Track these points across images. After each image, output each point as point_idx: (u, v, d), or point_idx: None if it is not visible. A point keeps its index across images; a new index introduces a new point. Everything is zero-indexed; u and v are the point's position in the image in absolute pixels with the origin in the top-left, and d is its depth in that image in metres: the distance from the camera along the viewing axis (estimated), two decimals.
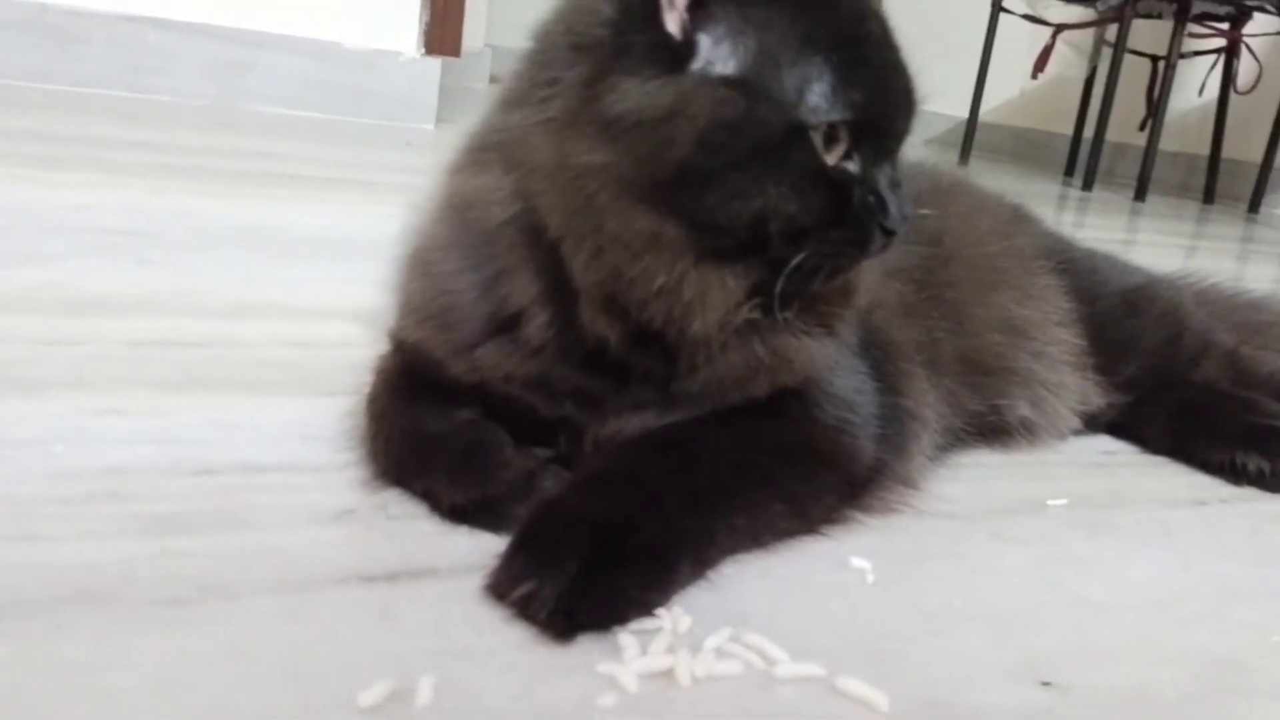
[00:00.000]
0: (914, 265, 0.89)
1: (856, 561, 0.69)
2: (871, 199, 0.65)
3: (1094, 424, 1.04)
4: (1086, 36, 4.31)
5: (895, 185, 0.67)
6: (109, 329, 0.96)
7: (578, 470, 0.68)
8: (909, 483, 0.81)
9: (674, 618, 0.59)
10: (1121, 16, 3.75)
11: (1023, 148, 4.96)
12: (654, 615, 0.59)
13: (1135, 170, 3.73)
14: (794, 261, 0.64)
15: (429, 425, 0.71)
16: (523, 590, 0.57)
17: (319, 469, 0.73)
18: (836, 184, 0.64)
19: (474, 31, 4.04)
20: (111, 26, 2.65)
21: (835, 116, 0.63)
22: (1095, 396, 1.01)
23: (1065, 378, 0.98)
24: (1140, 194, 3.68)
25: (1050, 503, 0.86)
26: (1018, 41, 4.38)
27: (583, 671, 0.54)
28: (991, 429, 0.95)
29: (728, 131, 0.61)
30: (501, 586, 0.58)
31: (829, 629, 0.62)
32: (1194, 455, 0.99)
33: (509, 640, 0.56)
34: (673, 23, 0.62)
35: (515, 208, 0.66)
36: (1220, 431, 0.98)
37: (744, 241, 0.64)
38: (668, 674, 0.55)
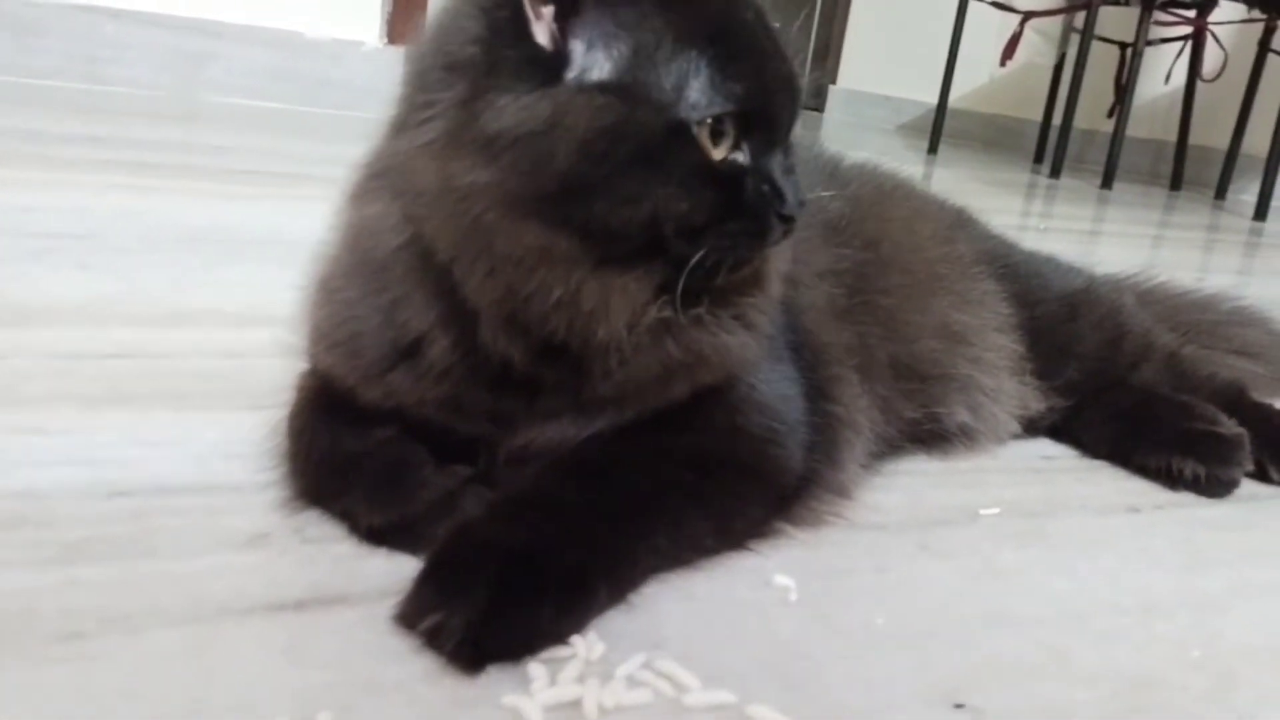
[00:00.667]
0: (847, 269, 0.88)
1: (779, 579, 0.69)
2: (766, 188, 0.65)
3: (1034, 428, 1.04)
4: (1055, 24, 4.32)
5: (789, 172, 0.67)
6: (41, 340, 0.94)
7: (496, 491, 0.68)
8: (842, 492, 0.81)
9: (588, 644, 0.59)
10: (1089, 4, 3.76)
11: (992, 134, 4.96)
12: (567, 643, 0.59)
13: (1104, 157, 3.74)
14: (694, 259, 0.64)
15: (348, 444, 0.70)
16: (430, 621, 0.56)
17: (237, 489, 0.72)
18: (727, 178, 0.64)
19: None
20: (67, 17, 2.62)
21: (717, 110, 0.62)
22: (1035, 401, 1.01)
23: (1004, 383, 0.98)
24: (1107, 181, 3.70)
25: (982, 512, 0.86)
26: (986, 28, 4.38)
27: (488, 705, 0.54)
28: (930, 436, 0.95)
29: (608, 138, 0.60)
30: (410, 617, 0.58)
31: (745, 652, 0.61)
32: (1131, 460, 0.99)
33: (416, 672, 0.56)
34: (542, 34, 0.61)
35: (405, 234, 0.65)
36: (1156, 436, 0.98)
37: (640, 245, 0.63)
38: (575, 705, 0.54)
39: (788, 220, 0.66)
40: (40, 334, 0.96)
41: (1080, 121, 3.95)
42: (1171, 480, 0.96)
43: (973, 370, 0.95)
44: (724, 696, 0.56)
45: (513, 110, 0.60)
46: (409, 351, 0.68)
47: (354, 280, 0.69)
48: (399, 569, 0.63)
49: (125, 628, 0.56)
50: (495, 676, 0.56)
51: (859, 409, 0.84)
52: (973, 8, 4.20)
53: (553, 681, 0.55)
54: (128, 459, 0.75)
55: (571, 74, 0.61)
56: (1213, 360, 1.13)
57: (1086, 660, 0.66)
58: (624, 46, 0.61)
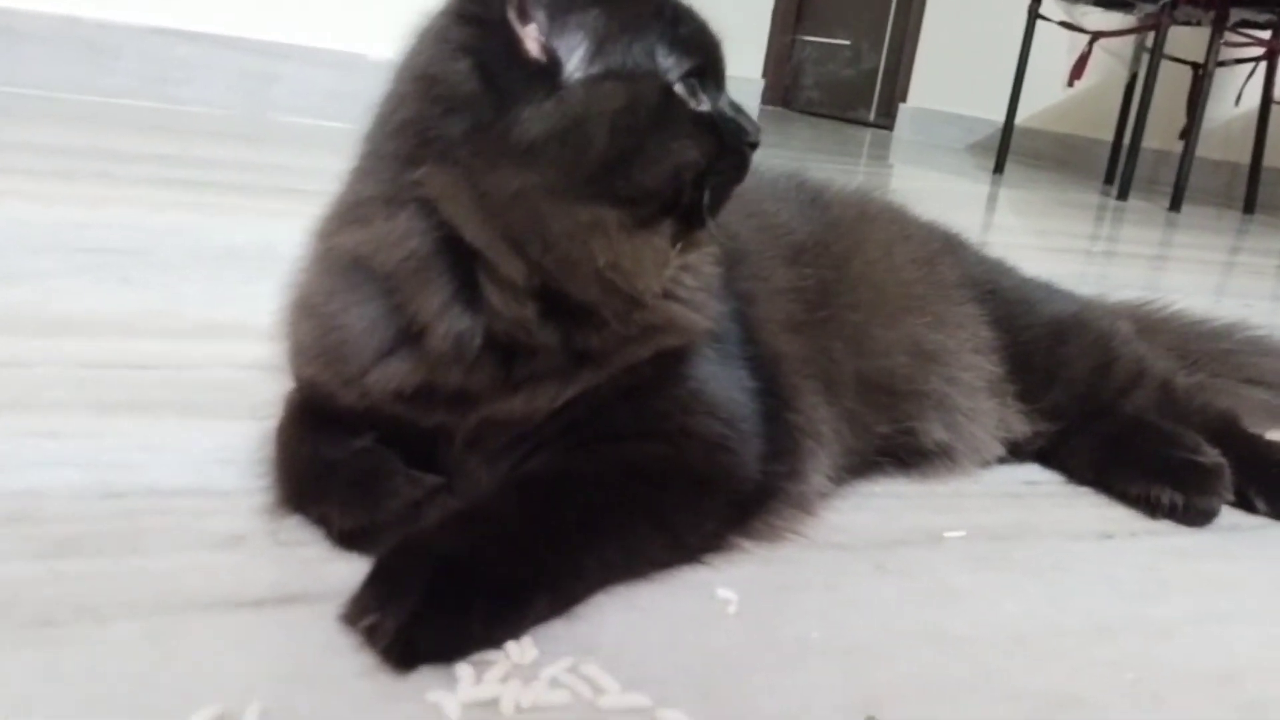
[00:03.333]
0: (809, 286, 0.92)
1: (723, 592, 0.72)
2: (731, 125, 0.74)
3: (1022, 452, 1.06)
4: (1126, 44, 4.26)
5: (738, 109, 0.76)
6: (69, 350, 1.02)
7: (458, 498, 0.72)
8: (803, 506, 0.84)
9: (521, 649, 0.63)
10: (1159, 24, 3.70)
11: (1063, 153, 4.90)
12: (499, 648, 0.63)
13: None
14: (702, 202, 0.73)
15: (326, 453, 0.75)
16: (367, 620, 0.61)
17: (226, 494, 0.78)
18: (708, 122, 0.73)
19: None
20: (141, 39, 2.75)
21: (686, 67, 0.72)
22: (1017, 424, 1.03)
23: (981, 403, 1.00)
24: (1175, 204, 3.63)
25: (947, 534, 0.88)
26: (1056, 47, 4.34)
27: (412, 700, 0.58)
28: (907, 452, 0.97)
29: (627, 114, 0.69)
30: (351, 616, 0.62)
31: (671, 660, 0.65)
32: (1113, 486, 1.00)
33: (354, 667, 0.60)
34: (533, 48, 0.68)
35: (414, 243, 0.70)
36: (1138, 463, 0.99)
37: (665, 201, 0.72)
38: (493, 703, 0.58)
39: (754, 147, 0.76)
40: (70, 344, 1.03)
41: (1152, 142, 3.89)
42: (1151, 508, 0.97)
43: (947, 388, 0.97)
44: (639, 700, 0.60)
45: (537, 118, 0.68)
46: (406, 341, 0.72)
47: (339, 296, 0.74)
48: (361, 572, 0.67)
49: (95, 618, 0.61)
50: (425, 675, 0.60)
51: (821, 419, 0.87)
52: (1042, 27, 4.17)
53: (478, 681, 0.59)
54: (129, 463, 0.81)
55: (569, 74, 0.69)
56: (1212, 389, 1.13)
57: (1015, 680, 0.68)
58: (598, 41, 0.70)
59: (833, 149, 5.18)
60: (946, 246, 1.09)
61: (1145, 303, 1.32)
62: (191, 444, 0.86)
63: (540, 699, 0.59)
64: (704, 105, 0.73)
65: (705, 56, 0.73)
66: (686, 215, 0.74)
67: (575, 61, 0.69)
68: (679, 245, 0.75)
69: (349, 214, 0.75)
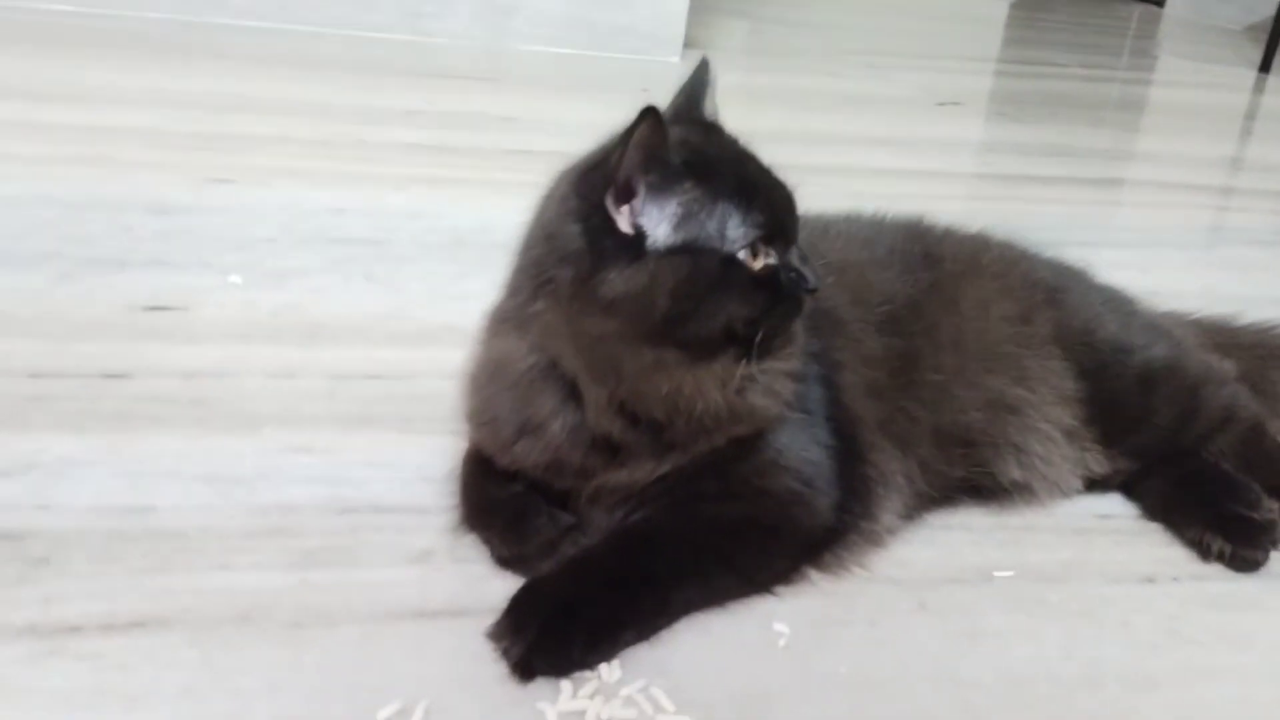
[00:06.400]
0: (895, 355, 1.09)
1: (778, 625, 0.94)
2: (794, 275, 0.91)
3: (1106, 484, 1.20)
4: None
5: (804, 259, 0.93)
6: (323, 361, 1.31)
7: (584, 534, 0.97)
8: (874, 540, 1.04)
9: (610, 669, 0.87)
10: None
11: None
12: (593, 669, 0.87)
13: None
14: (756, 340, 0.91)
15: (491, 492, 1.01)
16: (502, 644, 0.87)
17: (424, 511, 1.05)
18: (767, 279, 0.90)
19: None
20: None
21: (751, 238, 0.89)
22: (1096, 465, 1.17)
23: (1058, 449, 1.14)
24: None
25: (996, 574, 1.05)
26: None
27: (527, 706, 0.83)
28: (983, 490, 1.14)
29: (687, 284, 0.88)
30: (494, 637, 0.88)
31: (721, 686, 0.87)
32: (1175, 527, 1.13)
33: (493, 675, 0.86)
34: (625, 225, 0.88)
35: (532, 360, 0.94)
36: (1199, 509, 1.12)
37: (720, 343, 0.91)
38: (581, 714, 0.83)
39: (812, 292, 0.93)
40: (324, 354, 1.33)
41: None
42: (1203, 552, 1.10)
43: (1022, 437, 1.12)
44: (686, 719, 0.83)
45: (620, 281, 0.88)
46: (531, 430, 0.97)
47: (492, 385, 0.99)
48: (511, 589, 0.93)
49: (328, 622, 0.90)
50: (539, 688, 0.85)
51: (893, 470, 1.05)
52: None
53: (574, 695, 0.84)
54: (360, 479, 1.09)
55: (651, 245, 0.88)
56: None
57: None
58: (678, 217, 0.88)
59: (1090, 40, 4.97)
60: (1049, 299, 1.20)
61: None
62: (404, 460, 1.13)
63: (615, 713, 0.83)
64: (769, 260, 0.90)
65: (774, 222, 0.90)
66: (745, 345, 0.91)
67: (656, 236, 0.87)
68: (751, 360, 0.92)
69: (497, 323, 0.99)
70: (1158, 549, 1.12)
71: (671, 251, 0.88)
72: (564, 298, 0.90)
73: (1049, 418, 1.14)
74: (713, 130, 0.97)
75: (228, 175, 1.88)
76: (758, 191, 0.91)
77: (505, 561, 0.98)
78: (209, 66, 2.60)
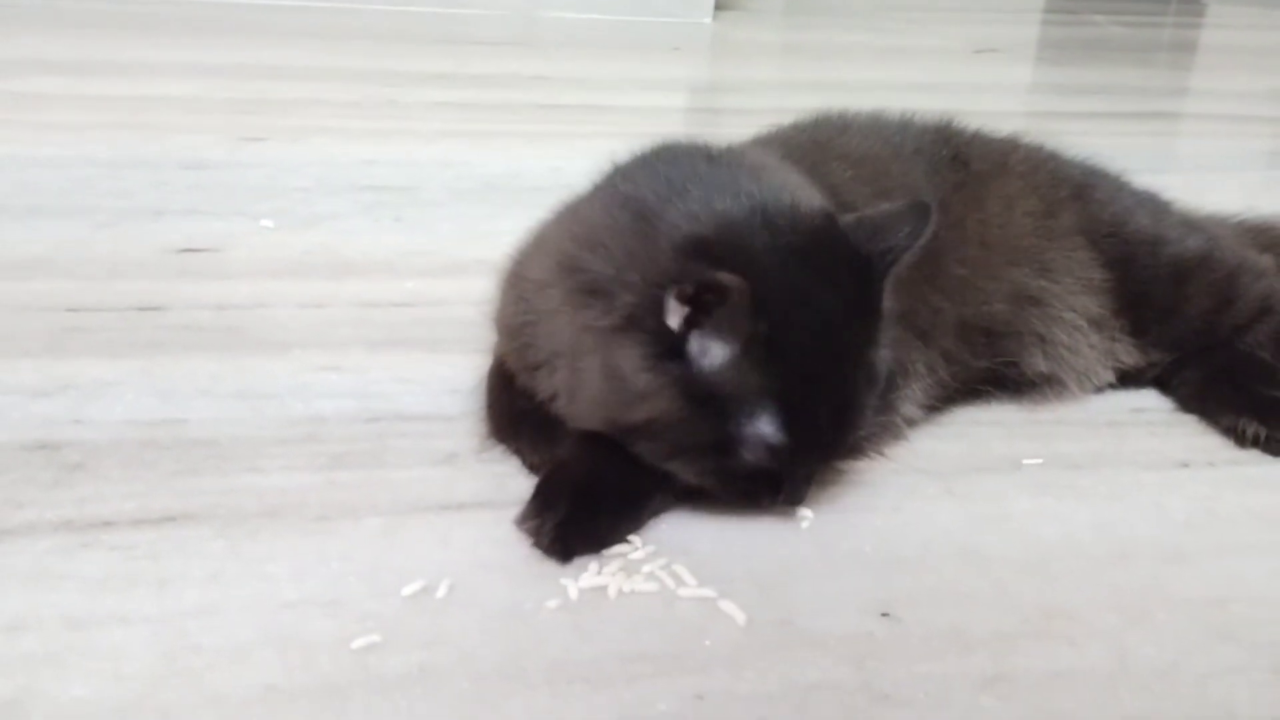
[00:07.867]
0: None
1: (802, 510, 0.94)
2: (784, 484, 0.87)
3: (1140, 378, 1.18)
4: None
5: (807, 480, 0.89)
6: (350, 292, 1.33)
7: None
8: (892, 432, 1.03)
9: (638, 547, 0.88)
10: None
11: None
12: (628, 542, 0.88)
13: None
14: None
15: (519, 403, 1.01)
16: (531, 524, 0.87)
17: (450, 419, 1.06)
18: (753, 474, 0.85)
19: None
20: None
21: (768, 445, 0.83)
22: (1126, 355, 1.15)
23: (1085, 338, 1.13)
24: None
25: (1025, 462, 1.04)
26: None
27: (550, 581, 0.84)
28: (1013, 382, 1.13)
29: (672, 430, 0.84)
30: (521, 520, 0.89)
31: (743, 564, 0.87)
32: (1210, 416, 1.11)
33: (518, 556, 0.87)
34: (674, 320, 0.81)
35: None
36: (1233, 396, 1.10)
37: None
38: (603, 589, 0.83)
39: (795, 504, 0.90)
40: (352, 286, 1.35)
41: None
42: (1238, 438, 1.08)
43: (1046, 328, 1.11)
44: (707, 593, 0.83)
45: (632, 363, 0.83)
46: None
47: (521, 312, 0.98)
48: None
49: (353, 516, 0.91)
50: (561, 568, 0.86)
51: (914, 360, 1.04)
52: None
53: (599, 571, 0.85)
54: (388, 393, 1.11)
55: (686, 357, 0.82)
56: None
57: (1020, 594, 0.86)
58: (724, 359, 0.81)
59: None
60: (1075, 194, 1.19)
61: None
62: (431, 376, 1.14)
63: (636, 587, 0.83)
64: (767, 463, 0.84)
65: (798, 457, 0.85)
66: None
67: (694, 354, 0.81)
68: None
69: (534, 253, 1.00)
70: (1193, 438, 1.10)
71: (694, 381, 0.82)
72: (595, 339, 0.86)
73: (1074, 306, 1.13)
74: (827, 276, 0.85)
75: (262, 134, 1.91)
76: (811, 411, 0.83)
77: (536, 468, 0.98)
78: (245, 42, 2.65)
